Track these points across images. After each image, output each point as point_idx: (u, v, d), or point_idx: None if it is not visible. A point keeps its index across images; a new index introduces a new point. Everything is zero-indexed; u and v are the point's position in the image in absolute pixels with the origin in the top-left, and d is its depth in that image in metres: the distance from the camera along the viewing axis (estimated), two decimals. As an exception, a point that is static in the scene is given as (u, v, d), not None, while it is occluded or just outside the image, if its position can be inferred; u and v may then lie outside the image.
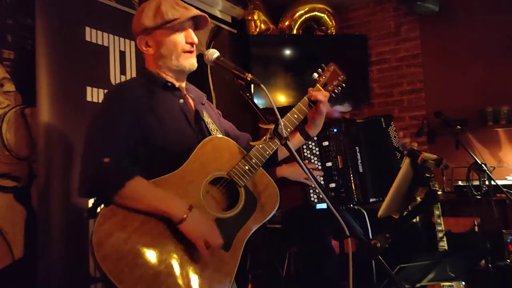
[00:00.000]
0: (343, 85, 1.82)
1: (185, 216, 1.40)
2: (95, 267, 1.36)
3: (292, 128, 1.70)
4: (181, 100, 1.65)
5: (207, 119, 1.72)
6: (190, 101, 1.71)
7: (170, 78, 1.65)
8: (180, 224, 1.40)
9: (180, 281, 1.37)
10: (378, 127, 2.73)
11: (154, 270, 1.34)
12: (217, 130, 1.72)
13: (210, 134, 1.65)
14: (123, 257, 1.32)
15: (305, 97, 1.73)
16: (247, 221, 1.55)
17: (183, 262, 1.39)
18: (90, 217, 2.36)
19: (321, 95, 1.72)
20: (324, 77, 1.78)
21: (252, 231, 1.56)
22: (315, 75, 1.79)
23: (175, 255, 1.39)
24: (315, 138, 2.62)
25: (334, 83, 1.79)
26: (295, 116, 1.69)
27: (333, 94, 1.79)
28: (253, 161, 1.57)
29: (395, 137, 2.75)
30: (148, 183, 1.44)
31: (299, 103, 1.72)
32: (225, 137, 1.64)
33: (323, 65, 1.81)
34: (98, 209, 1.44)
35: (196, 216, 1.43)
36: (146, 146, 1.51)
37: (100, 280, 2.35)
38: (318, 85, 1.76)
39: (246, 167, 1.56)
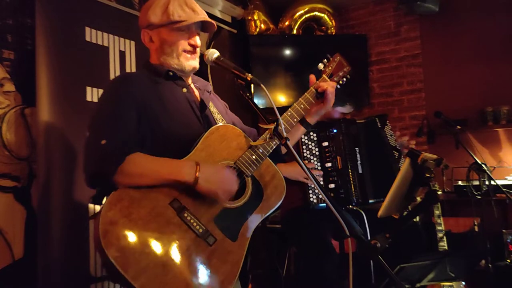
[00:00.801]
0: (348, 76, 1.81)
1: (197, 174, 1.41)
2: (100, 255, 1.33)
3: (299, 119, 1.69)
4: (185, 89, 1.66)
5: (212, 108, 1.73)
6: (195, 90, 1.72)
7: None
8: (195, 186, 1.41)
9: (187, 270, 1.36)
10: (374, 128, 2.73)
11: (160, 259, 1.33)
12: (222, 119, 1.72)
13: (215, 123, 1.65)
14: (129, 245, 1.30)
15: (311, 88, 1.72)
16: (253, 212, 1.54)
17: (190, 251, 1.38)
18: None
19: (329, 85, 1.72)
20: (330, 68, 1.78)
21: (259, 221, 1.56)
22: (321, 65, 1.78)
23: (182, 244, 1.38)
24: (315, 139, 2.62)
25: (340, 74, 1.79)
26: (302, 106, 1.69)
27: (338, 86, 1.79)
28: (260, 150, 1.56)
29: (391, 135, 2.75)
30: (148, 155, 1.44)
31: (305, 94, 1.71)
32: (232, 125, 1.64)
33: (328, 55, 1.80)
34: (104, 199, 1.43)
35: (207, 171, 1.43)
36: (151, 134, 1.52)
37: (100, 279, 2.37)
38: (324, 75, 1.76)
39: (253, 157, 1.55)
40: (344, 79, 1.81)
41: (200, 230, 1.42)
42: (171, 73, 1.64)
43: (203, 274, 1.38)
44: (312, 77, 1.76)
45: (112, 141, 1.42)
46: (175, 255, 1.35)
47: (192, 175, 1.41)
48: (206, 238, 1.42)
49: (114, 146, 1.42)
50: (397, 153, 2.72)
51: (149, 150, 1.48)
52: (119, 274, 1.26)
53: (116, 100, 1.53)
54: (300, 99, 1.70)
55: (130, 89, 1.54)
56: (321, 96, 1.73)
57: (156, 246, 1.34)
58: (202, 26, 1.70)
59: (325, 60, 1.79)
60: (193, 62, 1.66)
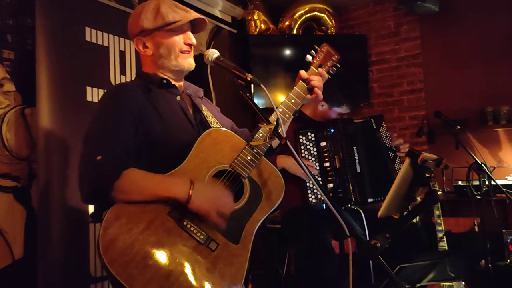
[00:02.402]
0: (338, 65, 1.77)
1: (190, 193, 1.39)
2: (103, 269, 1.34)
3: (291, 114, 1.66)
4: (178, 97, 1.65)
5: (206, 112, 1.72)
6: (188, 96, 1.72)
7: (167, 77, 1.66)
8: (188, 204, 1.40)
9: (191, 279, 1.35)
10: (369, 128, 2.74)
11: (164, 270, 1.32)
12: (217, 122, 1.72)
13: (210, 127, 1.65)
14: (132, 260, 1.30)
15: (300, 82, 1.69)
16: (254, 212, 1.53)
17: (193, 259, 1.38)
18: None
19: (317, 81, 1.69)
20: (318, 59, 1.74)
21: (261, 222, 1.55)
22: (309, 57, 1.74)
23: (184, 253, 1.37)
24: (313, 139, 2.62)
25: (328, 64, 1.75)
26: (293, 101, 1.66)
27: (328, 75, 1.76)
28: (255, 151, 1.55)
29: (387, 136, 2.76)
30: (143, 171, 1.43)
31: (295, 88, 1.68)
32: (224, 128, 1.63)
33: (315, 46, 1.76)
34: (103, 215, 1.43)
35: (200, 190, 1.42)
36: (147, 144, 1.51)
37: (100, 279, 2.37)
38: (312, 67, 1.73)
39: (248, 158, 1.54)
40: (334, 68, 1.77)
41: (202, 237, 1.41)
42: (165, 81, 1.64)
43: (209, 280, 1.38)
44: (301, 72, 1.72)
45: (107, 157, 1.41)
46: (179, 265, 1.35)
47: (186, 193, 1.40)
48: (208, 245, 1.42)
49: (109, 162, 1.40)
50: (392, 154, 2.72)
51: (145, 160, 1.48)
52: None
53: (112, 113, 1.52)
54: (290, 93, 1.67)
55: (126, 101, 1.53)
56: (311, 89, 1.70)
57: (159, 258, 1.33)
58: (193, 28, 1.70)
59: (313, 51, 1.75)
60: (190, 60, 1.66)
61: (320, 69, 1.73)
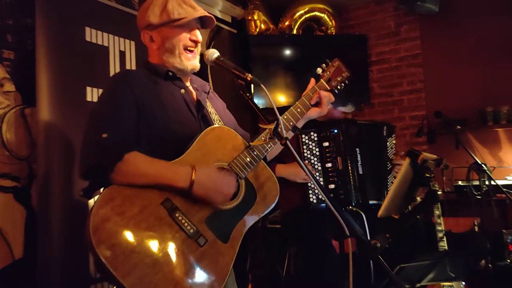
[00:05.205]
0: (347, 82, 1.80)
1: (192, 177, 1.41)
2: (91, 253, 1.33)
3: (295, 122, 1.68)
4: (183, 90, 1.66)
5: (210, 109, 1.72)
6: (193, 91, 1.72)
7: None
8: (191, 190, 1.41)
9: (176, 270, 1.35)
10: (378, 133, 2.74)
11: (150, 258, 1.32)
12: (219, 120, 1.72)
13: (213, 123, 1.65)
14: (119, 244, 1.30)
15: (309, 92, 1.72)
16: (246, 213, 1.54)
17: (180, 251, 1.38)
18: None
19: (326, 95, 1.71)
20: (328, 73, 1.77)
21: (251, 224, 1.55)
22: (319, 70, 1.77)
23: (172, 244, 1.38)
24: (316, 139, 2.62)
25: (338, 79, 1.78)
26: (298, 110, 1.68)
27: (336, 90, 1.78)
28: (255, 153, 1.56)
29: (392, 148, 2.76)
30: (146, 156, 1.43)
31: (302, 98, 1.70)
32: (228, 127, 1.64)
33: (327, 60, 1.79)
34: (95, 197, 1.43)
35: (203, 175, 1.43)
36: (147, 133, 1.52)
37: (100, 279, 2.37)
38: (322, 80, 1.75)
39: (248, 159, 1.55)
40: (343, 84, 1.80)
41: (191, 231, 1.41)
42: (170, 73, 1.64)
43: (193, 274, 1.38)
44: (313, 80, 1.75)
45: (113, 136, 1.42)
46: (166, 255, 1.35)
47: (187, 181, 1.41)
48: (197, 239, 1.42)
49: (114, 142, 1.42)
50: (390, 166, 2.73)
51: (144, 148, 1.48)
52: (109, 273, 1.26)
53: (118, 96, 1.53)
54: (297, 102, 1.69)
55: (131, 86, 1.55)
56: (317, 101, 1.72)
57: (147, 246, 1.33)
58: (201, 23, 1.69)
59: (324, 64, 1.78)
60: (194, 62, 1.66)
61: (328, 84, 1.75)
